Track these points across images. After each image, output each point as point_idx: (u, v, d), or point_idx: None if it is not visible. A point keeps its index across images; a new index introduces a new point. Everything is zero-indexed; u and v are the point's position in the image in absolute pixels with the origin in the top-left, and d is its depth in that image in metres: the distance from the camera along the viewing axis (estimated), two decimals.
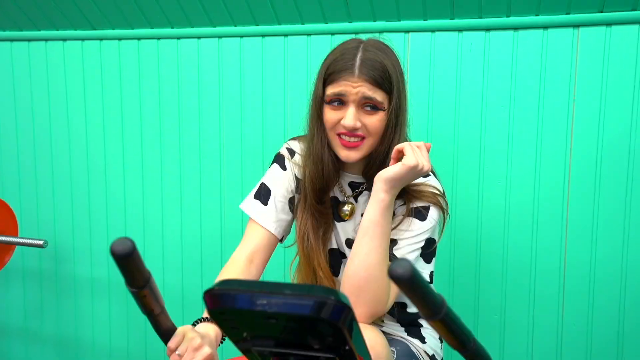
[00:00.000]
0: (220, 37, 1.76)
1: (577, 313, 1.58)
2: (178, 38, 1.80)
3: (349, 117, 1.06)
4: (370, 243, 1.02)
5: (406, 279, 0.58)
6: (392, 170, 1.02)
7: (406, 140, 1.19)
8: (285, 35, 1.70)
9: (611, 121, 1.50)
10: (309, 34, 1.68)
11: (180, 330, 0.90)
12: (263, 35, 1.73)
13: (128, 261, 0.66)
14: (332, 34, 1.65)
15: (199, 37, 1.78)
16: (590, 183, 1.53)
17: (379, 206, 1.03)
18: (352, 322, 0.62)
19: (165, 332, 0.86)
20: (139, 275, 0.70)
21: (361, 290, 1.00)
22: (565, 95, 1.51)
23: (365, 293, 1.00)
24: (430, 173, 1.17)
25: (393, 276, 0.58)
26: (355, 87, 1.05)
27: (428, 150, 1.05)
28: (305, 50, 1.69)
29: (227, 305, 0.62)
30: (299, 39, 1.70)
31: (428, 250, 1.12)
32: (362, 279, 1.00)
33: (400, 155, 1.04)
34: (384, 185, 1.03)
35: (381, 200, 1.02)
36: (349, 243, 1.18)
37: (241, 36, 1.75)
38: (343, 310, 0.60)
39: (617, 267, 1.54)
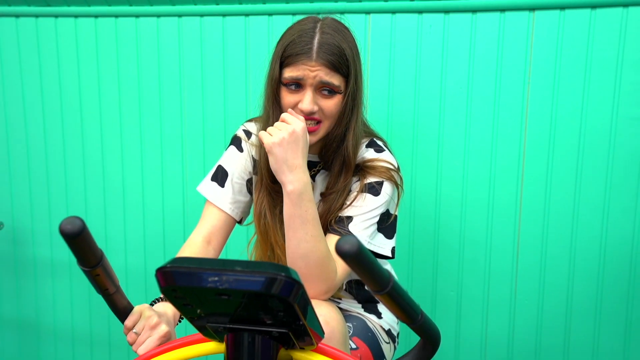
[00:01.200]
0: (180, 15, 1.74)
1: (529, 289, 1.64)
2: (137, 16, 1.77)
3: (306, 101, 1.07)
4: (295, 235, 1.03)
5: (352, 255, 0.60)
6: (270, 163, 1.04)
7: (364, 124, 1.20)
8: (247, 15, 1.69)
9: (564, 103, 1.54)
10: (270, 14, 1.67)
11: (137, 308, 0.90)
12: (224, 15, 1.71)
13: (78, 240, 0.66)
14: (294, 14, 1.65)
15: (158, 16, 1.75)
16: (543, 161, 1.58)
17: (288, 199, 1.03)
18: (303, 298, 0.63)
19: (122, 310, 0.87)
20: (91, 255, 0.70)
21: (305, 275, 1.02)
22: (521, 77, 1.55)
23: (309, 276, 1.02)
24: (385, 148, 1.18)
25: (340, 252, 0.60)
26: (312, 71, 1.05)
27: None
28: (267, 30, 1.69)
29: (179, 282, 0.63)
30: (261, 18, 1.69)
31: (386, 224, 1.14)
32: (301, 268, 1.01)
33: None
34: (281, 177, 1.03)
35: (288, 193, 1.03)
36: None
37: (202, 15, 1.72)
38: (293, 286, 0.61)
39: (567, 244, 1.60)
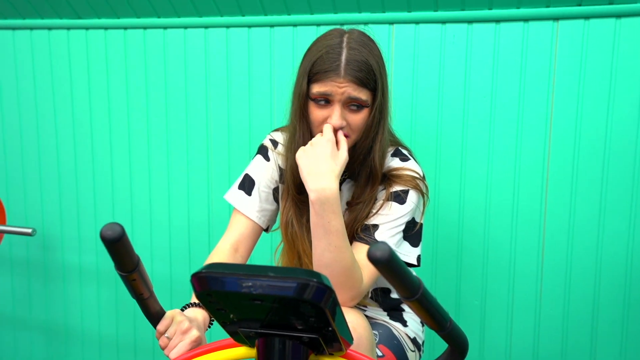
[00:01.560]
0: (206, 27, 1.78)
1: (555, 297, 1.63)
2: (165, 28, 1.81)
3: (335, 117, 1.08)
4: (319, 244, 1.04)
5: (383, 262, 0.61)
6: (301, 175, 1.07)
7: (390, 133, 1.22)
8: (272, 25, 1.72)
9: (589, 113, 1.54)
10: (295, 25, 1.70)
11: (169, 313, 0.92)
12: (249, 26, 1.74)
13: (118, 245, 0.69)
14: (318, 24, 1.67)
15: (185, 27, 1.79)
16: (568, 170, 1.57)
17: (312, 208, 1.04)
18: (334, 303, 0.65)
19: (155, 315, 0.89)
20: (128, 260, 0.73)
21: (333, 283, 1.02)
22: (545, 87, 1.55)
23: (334, 284, 1.02)
24: (410, 157, 1.20)
25: (372, 259, 0.61)
26: (341, 87, 1.07)
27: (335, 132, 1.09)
28: (292, 40, 1.71)
29: (214, 287, 0.65)
30: (286, 29, 1.71)
31: (411, 232, 1.15)
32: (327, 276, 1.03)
33: None
34: (306, 186, 1.05)
35: (311, 202, 1.04)
36: None
37: (227, 27, 1.76)
38: (325, 291, 0.63)
39: (593, 254, 1.59)
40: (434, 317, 0.71)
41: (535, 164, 1.59)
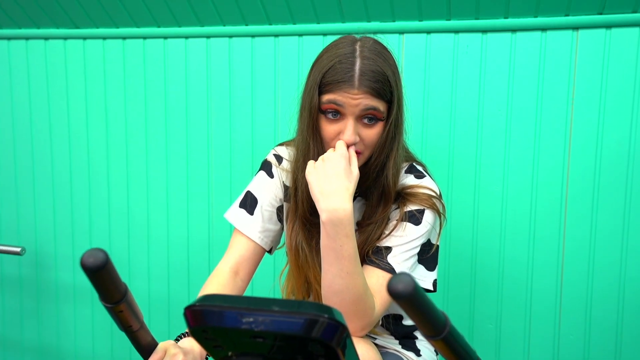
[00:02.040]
0: (208, 37, 1.71)
1: (574, 323, 1.54)
2: (165, 38, 1.75)
3: (348, 132, 1.00)
4: (330, 269, 0.96)
5: (407, 296, 0.53)
6: (311, 193, 0.98)
7: (404, 149, 1.14)
8: (276, 35, 1.65)
9: (610, 126, 1.46)
10: (300, 35, 1.63)
11: (161, 345, 0.84)
12: (253, 36, 1.67)
13: (101, 274, 0.60)
14: (325, 34, 1.61)
15: (186, 37, 1.73)
16: (588, 187, 1.49)
17: (323, 229, 0.96)
18: (346, 340, 0.57)
19: (146, 347, 0.81)
20: (114, 290, 0.64)
21: (341, 312, 0.94)
22: (564, 99, 1.48)
23: (344, 313, 0.94)
24: (425, 173, 1.11)
25: (393, 293, 0.53)
26: (355, 99, 0.98)
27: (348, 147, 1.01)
28: (297, 51, 1.64)
29: (210, 323, 0.57)
30: (291, 39, 1.65)
31: (427, 256, 1.07)
32: (335, 304, 0.94)
33: None
34: (317, 205, 0.97)
35: (322, 223, 0.96)
36: None
37: (230, 36, 1.69)
38: (337, 328, 0.55)
39: (615, 275, 1.50)
40: (460, 357, 0.62)
41: (554, 180, 1.51)
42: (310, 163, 1.01)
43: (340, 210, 0.94)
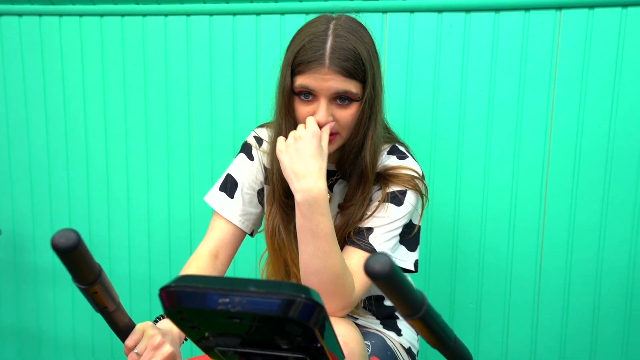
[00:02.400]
0: (188, 14, 1.67)
1: (553, 302, 1.56)
2: (144, 15, 1.70)
3: (321, 113, 0.98)
4: (307, 249, 0.96)
5: (384, 276, 0.52)
6: (284, 173, 0.98)
7: (386, 129, 1.13)
8: (258, 13, 1.62)
9: (592, 108, 1.46)
10: (282, 13, 1.61)
11: (139, 327, 0.83)
12: (234, 14, 1.64)
13: (73, 255, 0.59)
14: (307, 12, 1.58)
15: (166, 15, 1.69)
16: (569, 167, 1.50)
17: (298, 210, 0.95)
18: (324, 320, 0.56)
19: (123, 329, 0.80)
20: (87, 270, 0.63)
21: (319, 293, 0.93)
22: (546, 79, 1.47)
23: (323, 293, 0.93)
24: (408, 154, 1.11)
25: (370, 273, 0.53)
26: (326, 80, 0.97)
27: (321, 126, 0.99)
28: (279, 30, 1.62)
29: (185, 304, 0.56)
30: (273, 17, 1.62)
31: (408, 237, 1.06)
32: (314, 284, 0.94)
33: None
34: (291, 186, 0.96)
35: (297, 204, 0.95)
36: None
37: (211, 14, 1.66)
38: (314, 309, 0.54)
39: (594, 253, 1.52)
40: (438, 336, 0.63)
41: (535, 162, 1.51)
42: (281, 140, 0.99)
43: (314, 189, 0.94)
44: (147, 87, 1.74)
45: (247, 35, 1.64)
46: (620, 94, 1.44)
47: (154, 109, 1.75)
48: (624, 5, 1.40)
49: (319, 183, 0.94)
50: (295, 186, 0.95)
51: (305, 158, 0.95)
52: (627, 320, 1.52)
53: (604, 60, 1.44)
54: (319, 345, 0.59)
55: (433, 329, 0.61)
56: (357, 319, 1.18)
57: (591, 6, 1.42)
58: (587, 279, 1.53)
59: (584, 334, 1.55)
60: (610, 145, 1.47)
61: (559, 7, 1.44)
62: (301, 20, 1.57)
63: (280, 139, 1.00)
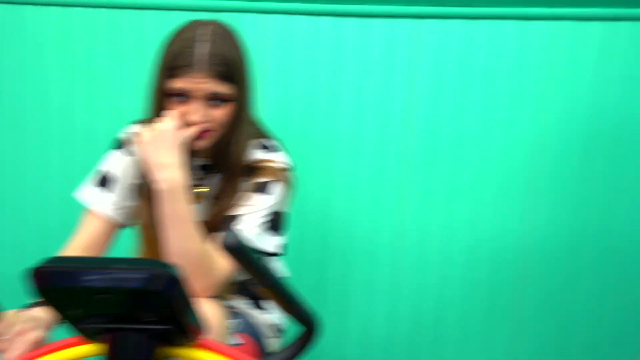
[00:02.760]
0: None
1: (410, 284, 1.73)
2: None
3: (197, 114, 1.06)
4: (170, 235, 1.03)
5: (234, 249, 0.62)
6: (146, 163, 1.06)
7: (257, 126, 1.22)
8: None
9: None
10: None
11: (6, 313, 0.85)
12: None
13: None
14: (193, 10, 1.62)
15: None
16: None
17: (161, 200, 1.03)
18: (183, 294, 0.63)
19: None
20: None
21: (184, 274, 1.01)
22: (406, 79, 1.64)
23: (188, 275, 1.00)
24: (275, 148, 1.21)
25: (224, 247, 0.62)
26: (200, 83, 1.04)
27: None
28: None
29: (56, 282, 0.60)
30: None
31: (275, 223, 1.16)
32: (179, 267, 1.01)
33: None
34: (152, 177, 1.04)
35: (159, 193, 1.03)
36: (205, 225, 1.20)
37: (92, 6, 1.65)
38: (174, 282, 0.61)
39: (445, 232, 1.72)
40: (286, 302, 0.72)
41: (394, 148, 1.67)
42: (141, 134, 1.06)
43: (175, 179, 1.02)
44: None
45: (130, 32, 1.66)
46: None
47: None
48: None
49: (179, 173, 1.03)
50: (156, 176, 1.02)
51: (165, 151, 1.03)
52: (468, 293, 1.74)
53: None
54: (180, 318, 0.66)
55: (281, 295, 0.71)
56: (229, 301, 1.26)
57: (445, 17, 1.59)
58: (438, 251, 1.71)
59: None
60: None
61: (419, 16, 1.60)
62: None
63: (144, 131, 1.07)
